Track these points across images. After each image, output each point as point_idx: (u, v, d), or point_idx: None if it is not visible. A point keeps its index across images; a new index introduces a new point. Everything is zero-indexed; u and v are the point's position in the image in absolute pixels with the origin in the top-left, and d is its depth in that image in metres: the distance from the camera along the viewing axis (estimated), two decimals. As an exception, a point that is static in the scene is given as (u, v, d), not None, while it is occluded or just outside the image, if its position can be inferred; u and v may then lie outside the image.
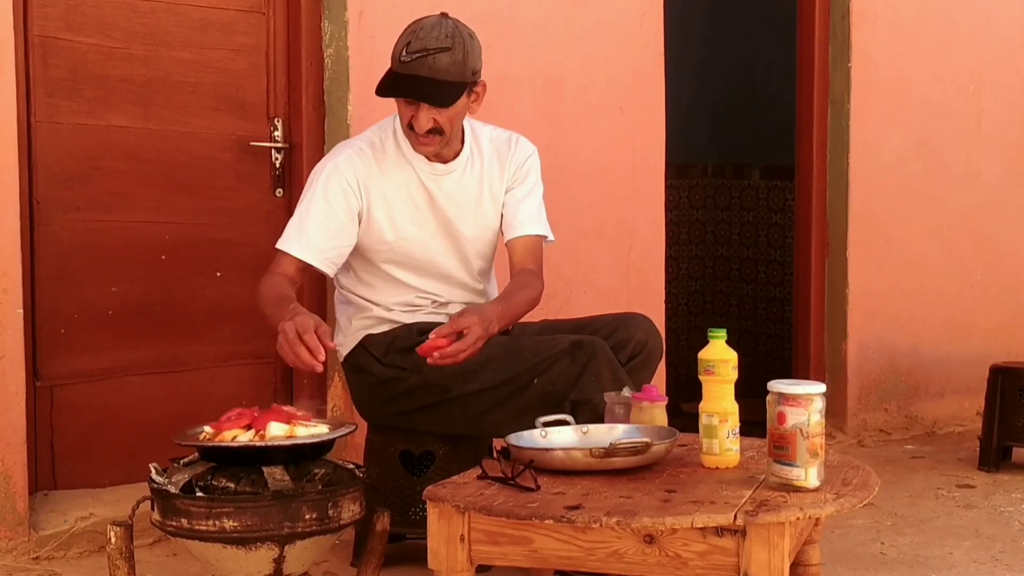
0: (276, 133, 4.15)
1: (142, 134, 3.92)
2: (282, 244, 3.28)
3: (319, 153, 4.14)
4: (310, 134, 4.16)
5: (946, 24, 5.74)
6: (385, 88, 3.21)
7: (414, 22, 3.22)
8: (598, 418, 2.98)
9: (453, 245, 3.41)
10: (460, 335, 2.99)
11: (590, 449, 2.63)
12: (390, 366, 3.33)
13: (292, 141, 4.18)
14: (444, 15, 3.23)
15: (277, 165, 4.16)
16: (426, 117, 3.20)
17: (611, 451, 2.61)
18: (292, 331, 2.80)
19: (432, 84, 3.15)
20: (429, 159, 3.33)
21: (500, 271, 3.59)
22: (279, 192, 4.17)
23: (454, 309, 3.42)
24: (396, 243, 3.34)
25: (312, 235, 3.25)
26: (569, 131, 4.62)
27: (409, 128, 3.25)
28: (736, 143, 6.99)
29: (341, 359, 3.48)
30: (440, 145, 3.29)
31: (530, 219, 3.45)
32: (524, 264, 3.42)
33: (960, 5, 5.78)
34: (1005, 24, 5.91)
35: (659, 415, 2.90)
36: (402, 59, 3.16)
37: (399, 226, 3.34)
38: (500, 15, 4.42)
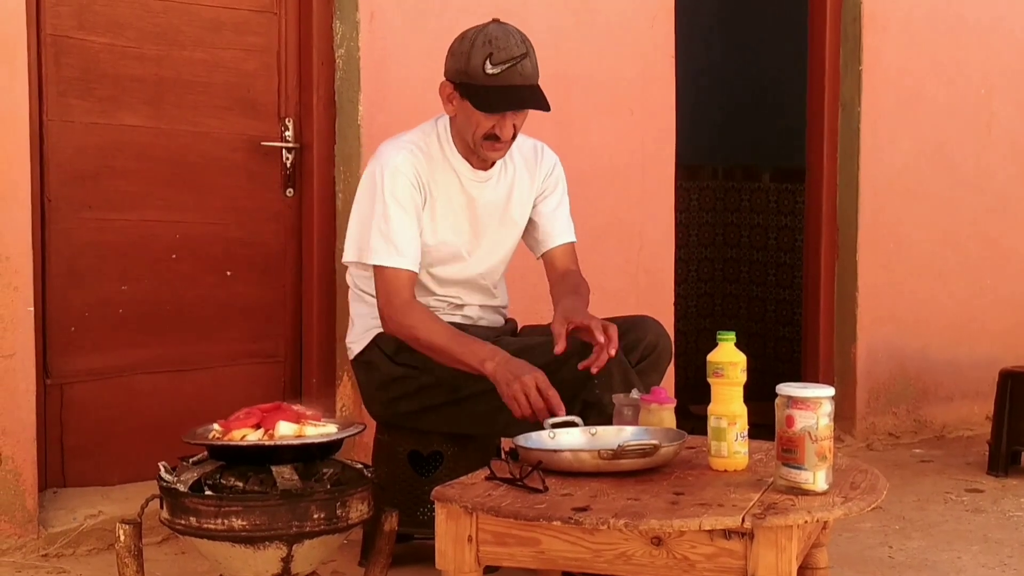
0: (287, 133, 4.16)
1: (153, 133, 3.93)
2: (385, 260, 3.21)
3: (330, 153, 4.15)
4: (321, 134, 4.16)
5: (957, 27, 5.73)
6: (494, 104, 3.16)
7: (476, 33, 3.18)
8: (607, 419, 2.98)
9: (483, 252, 3.41)
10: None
11: (598, 451, 2.63)
12: (401, 364, 3.33)
13: (303, 141, 4.18)
14: (497, 20, 3.22)
15: (288, 165, 4.17)
16: (510, 124, 3.21)
17: (619, 453, 2.61)
18: (533, 385, 2.98)
19: (531, 91, 3.17)
20: (474, 167, 3.32)
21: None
22: (289, 192, 4.18)
23: (469, 312, 3.43)
24: (435, 247, 3.32)
25: (408, 244, 3.23)
26: (579, 132, 4.62)
27: (485, 138, 3.22)
28: (746, 145, 6.98)
29: (352, 356, 3.47)
30: (507, 150, 3.31)
31: (568, 227, 3.51)
32: (568, 266, 3.48)
33: (971, 8, 5.77)
34: (1016, 28, 5.90)
35: (667, 417, 2.90)
36: (488, 72, 3.13)
37: (440, 230, 3.33)
38: (510, 16, 4.37)
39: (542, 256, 3.52)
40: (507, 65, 3.13)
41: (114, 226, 3.88)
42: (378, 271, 3.23)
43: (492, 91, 3.16)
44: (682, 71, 4.98)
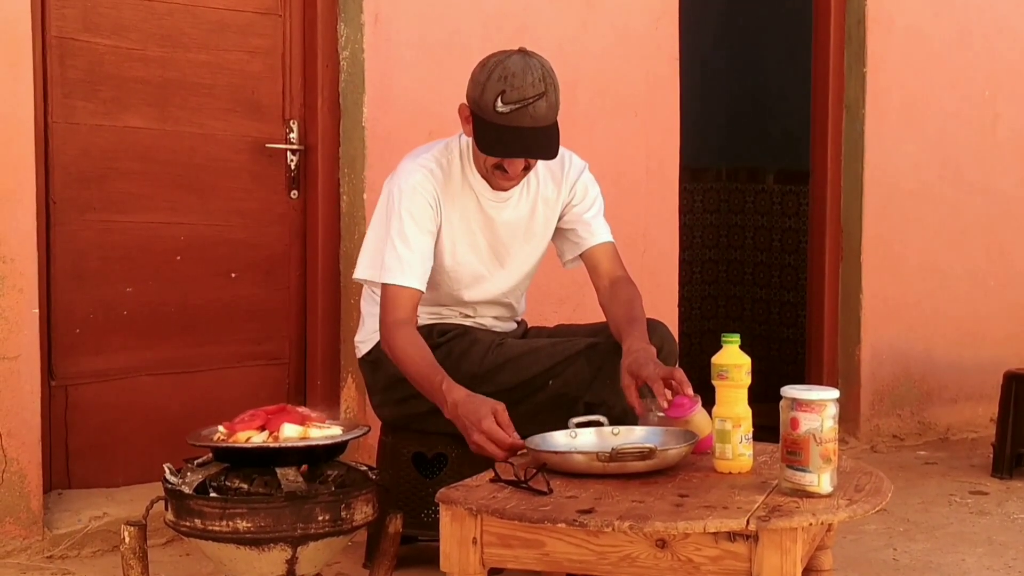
0: (291, 135, 4.16)
1: (158, 135, 3.94)
2: (393, 278, 3.16)
3: (334, 155, 4.15)
4: (325, 136, 4.17)
5: (962, 30, 5.73)
6: (494, 147, 3.09)
7: (496, 63, 3.07)
8: (614, 421, 2.96)
9: (504, 272, 3.38)
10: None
11: (596, 453, 2.63)
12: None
13: (307, 143, 4.19)
14: (524, 51, 3.11)
15: (292, 167, 4.17)
16: (520, 160, 3.14)
17: (615, 456, 2.60)
18: (487, 426, 2.87)
19: (536, 135, 3.05)
20: (492, 187, 3.27)
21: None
22: (294, 194, 4.18)
23: (481, 320, 3.41)
24: (453, 269, 3.29)
25: (418, 263, 3.18)
26: (584, 135, 4.61)
27: (495, 168, 3.17)
28: (750, 147, 6.98)
29: (360, 355, 3.47)
30: (523, 178, 3.26)
31: (605, 228, 3.40)
32: (614, 271, 3.36)
33: (976, 11, 5.77)
34: (1020, 30, 5.90)
35: (701, 420, 2.85)
36: (498, 110, 3.03)
37: (459, 252, 3.29)
38: (514, 19, 4.42)
39: (581, 256, 3.39)
40: (518, 106, 3.02)
41: (119, 228, 3.88)
42: (383, 287, 3.21)
43: (498, 131, 3.06)
44: (686, 73, 4.98)
